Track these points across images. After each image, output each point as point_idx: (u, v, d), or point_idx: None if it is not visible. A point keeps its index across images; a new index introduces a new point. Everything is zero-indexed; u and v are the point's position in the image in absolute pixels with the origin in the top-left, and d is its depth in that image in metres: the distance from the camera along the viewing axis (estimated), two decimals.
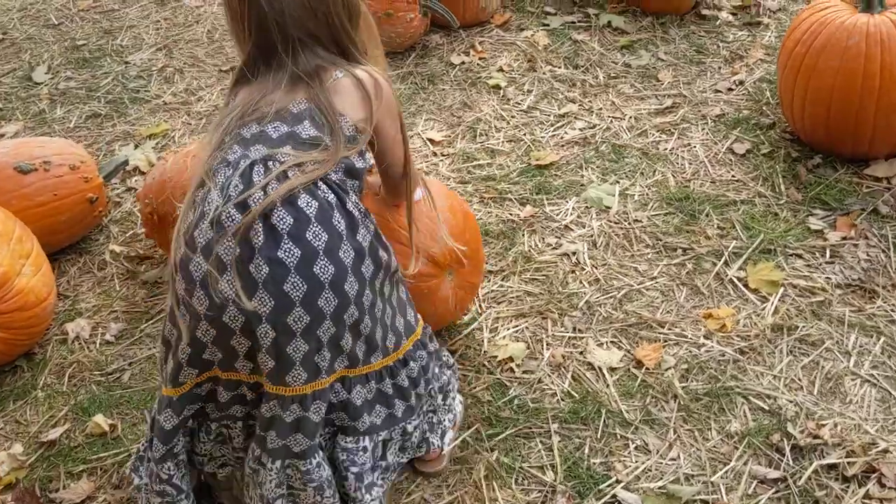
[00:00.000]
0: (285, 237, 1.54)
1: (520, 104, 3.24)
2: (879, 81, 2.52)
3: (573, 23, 3.72)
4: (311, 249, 1.55)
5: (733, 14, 3.67)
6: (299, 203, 1.56)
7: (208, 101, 3.46)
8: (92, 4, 4.28)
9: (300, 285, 1.54)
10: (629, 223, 2.63)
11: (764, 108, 3.09)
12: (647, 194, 2.74)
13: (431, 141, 3.11)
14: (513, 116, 3.17)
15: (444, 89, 3.39)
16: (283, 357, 1.57)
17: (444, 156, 3.03)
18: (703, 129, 3.01)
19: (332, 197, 1.60)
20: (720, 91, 3.21)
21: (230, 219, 1.55)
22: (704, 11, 3.68)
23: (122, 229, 2.81)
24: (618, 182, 2.80)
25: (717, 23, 3.60)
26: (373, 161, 1.80)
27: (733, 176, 2.79)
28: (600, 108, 3.17)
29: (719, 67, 3.34)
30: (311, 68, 1.64)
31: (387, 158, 1.80)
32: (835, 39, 2.58)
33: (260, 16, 1.61)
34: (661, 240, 2.56)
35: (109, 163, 2.87)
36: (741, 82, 3.25)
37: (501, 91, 3.33)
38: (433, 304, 2.07)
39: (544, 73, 3.41)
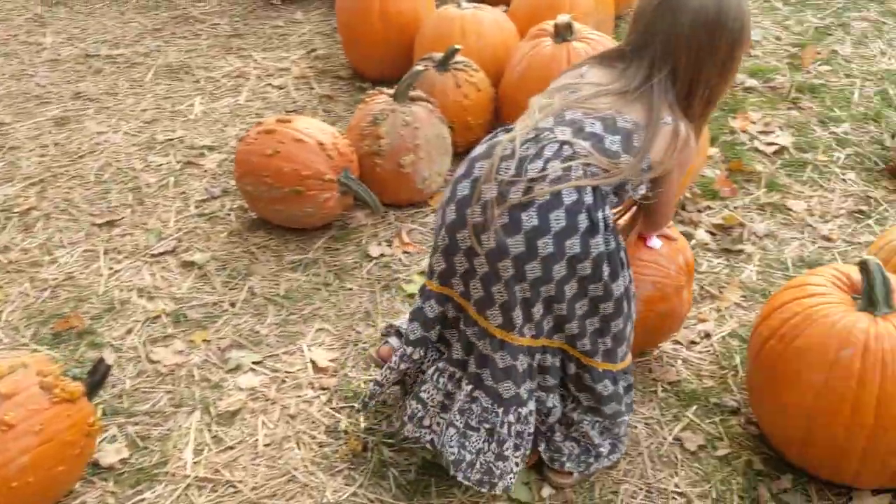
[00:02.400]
0: (534, 206, 1.79)
1: None
2: (874, 418, 1.90)
3: None
4: (546, 227, 1.78)
5: (711, 234, 3.09)
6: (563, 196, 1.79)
7: (63, 266, 2.84)
8: None
9: (520, 245, 1.80)
10: None
11: (730, 379, 2.47)
12: None
13: (314, 365, 2.49)
14: None
15: (351, 289, 2.79)
16: (489, 293, 1.87)
17: (322, 389, 2.40)
18: (652, 401, 2.39)
19: (589, 198, 1.80)
20: (680, 343, 2.60)
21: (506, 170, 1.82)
22: (680, 228, 3.10)
23: None
24: None
25: (692, 243, 3.01)
26: (641, 194, 1.96)
27: (675, 486, 2.15)
28: None
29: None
30: (660, 100, 1.83)
31: (657, 197, 2.00)
32: (821, 345, 1.96)
33: (655, 21, 1.83)
34: None
35: None
36: (707, 335, 2.63)
37: None
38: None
39: None
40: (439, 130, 3.15)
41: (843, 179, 3.35)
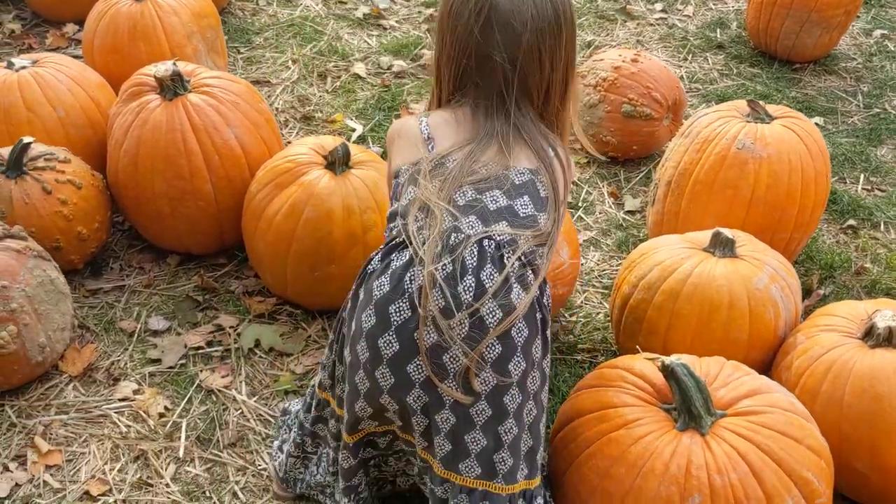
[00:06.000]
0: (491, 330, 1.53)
1: None
2: None
3: None
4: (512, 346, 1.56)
5: None
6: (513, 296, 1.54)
7: None
8: None
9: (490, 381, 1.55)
10: None
11: None
12: None
13: None
14: None
15: None
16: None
17: None
18: None
19: (537, 290, 1.57)
20: None
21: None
22: None
23: None
24: None
25: None
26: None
27: None
28: None
29: None
30: (534, 132, 1.61)
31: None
32: (656, 499, 1.52)
33: (485, 47, 1.56)
34: None
35: None
36: None
37: None
38: None
39: None
40: (42, 272, 2.20)
41: None
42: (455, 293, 1.49)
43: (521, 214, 1.57)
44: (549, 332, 1.64)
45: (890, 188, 3.10)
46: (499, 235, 1.54)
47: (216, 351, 2.37)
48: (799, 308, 2.16)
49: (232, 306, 2.50)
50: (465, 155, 1.58)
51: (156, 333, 2.41)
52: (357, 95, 3.45)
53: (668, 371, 1.59)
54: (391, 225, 1.63)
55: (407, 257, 1.56)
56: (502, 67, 1.55)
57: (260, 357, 2.36)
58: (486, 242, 1.53)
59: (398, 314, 1.54)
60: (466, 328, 1.50)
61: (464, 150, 1.58)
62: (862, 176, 3.14)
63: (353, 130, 3.24)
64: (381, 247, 1.63)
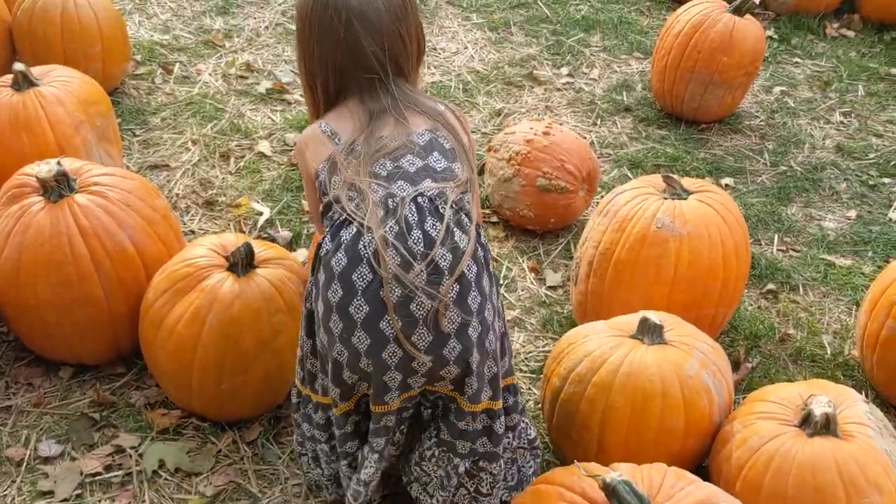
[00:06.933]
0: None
1: None
2: None
3: None
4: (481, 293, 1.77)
5: None
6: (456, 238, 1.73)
7: None
8: None
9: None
10: None
11: None
12: None
13: None
14: None
15: None
16: None
17: None
18: None
19: (475, 232, 1.78)
20: None
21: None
22: None
23: None
24: None
25: None
26: None
27: None
28: None
29: None
30: (418, 99, 1.83)
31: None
32: None
33: (357, 47, 1.76)
34: None
35: None
36: None
37: None
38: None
39: None
40: None
41: None
42: (408, 247, 1.66)
43: (439, 169, 1.77)
44: (491, 267, 1.83)
45: (803, 247, 3.12)
46: (428, 191, 1.73)
47: (116, 476, 2.15)
48: (731, 390, 2.11)
49: (132, 422, 2.29)
50: (367, 135, 1.77)
51: (47, 460, 2.18)
52: (263, 175, 3.30)
53: (609, 489, 1.49)
54: (330, 213, 1.79)
55: (354, 230, 1.71)
56: (374, 54, 1.76)
57: (165, 479, 2.15)
58: (419, 199, 1.72)
59: (361, 279, 1.69)
60: (425, 275, 1.66)
61: (365, 132, 1.77)
62: (776, 237, 3.16)
63: (260, 214, 3.08)
64: (327, 230, 1.77)
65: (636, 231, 2.32)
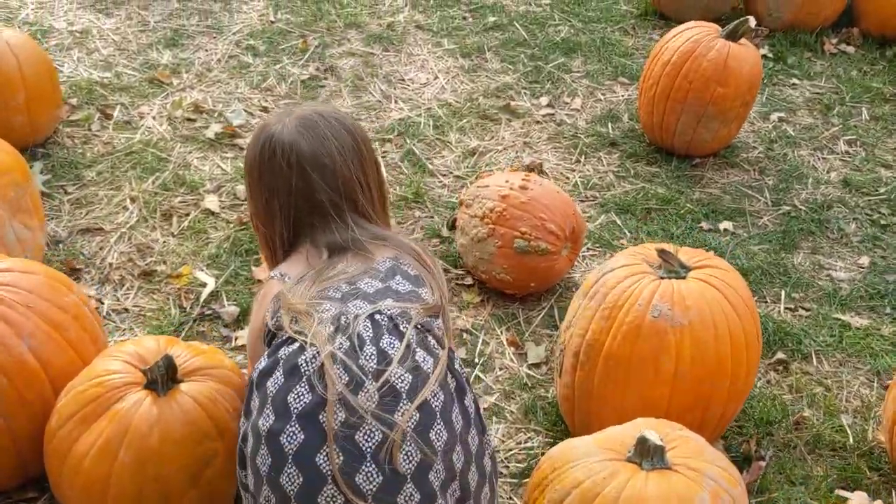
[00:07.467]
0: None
1: None
2: None
3: None
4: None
5: None
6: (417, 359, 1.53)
7: None
8: None
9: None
10: None
11: None
12: None
13: None
14: None
15: None
16: None
17: None
18: None
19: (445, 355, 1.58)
20: None
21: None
22: None
23: None
24: None
25: None
26: None
27: None
28: None
29: None
30: (378, 232, 1.73)
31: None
32: None
33: (311, 194, 1.70)
34: None
35: None
36: None
37: None
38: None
39: None
40: None
41: None
42: (359, 365, 1.47)
43: (402, 291, 1.62)
44: (469, 402, 1.59)
45: (814, 305, 2.79)
46: (388, 309, 1.57)
47: None
48: None
49: None
50: (322, 267, 1.65)
51: None
52: (209, 237, 2.94)
53: None
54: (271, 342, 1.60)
55: (297, 345, 1.52)
56: (329, 198, 1.70)
57: None
58: (377, 316, 1.55)
59: (297, 401, 1.47)
60: (377, 398, 1.45)
61: (319, 266, 1.66)
62: (783, 292, 2.83)
63: (204, 286, 2.72)
64: (265, 352, 1.58)
65: (629, 320, 1.98)
